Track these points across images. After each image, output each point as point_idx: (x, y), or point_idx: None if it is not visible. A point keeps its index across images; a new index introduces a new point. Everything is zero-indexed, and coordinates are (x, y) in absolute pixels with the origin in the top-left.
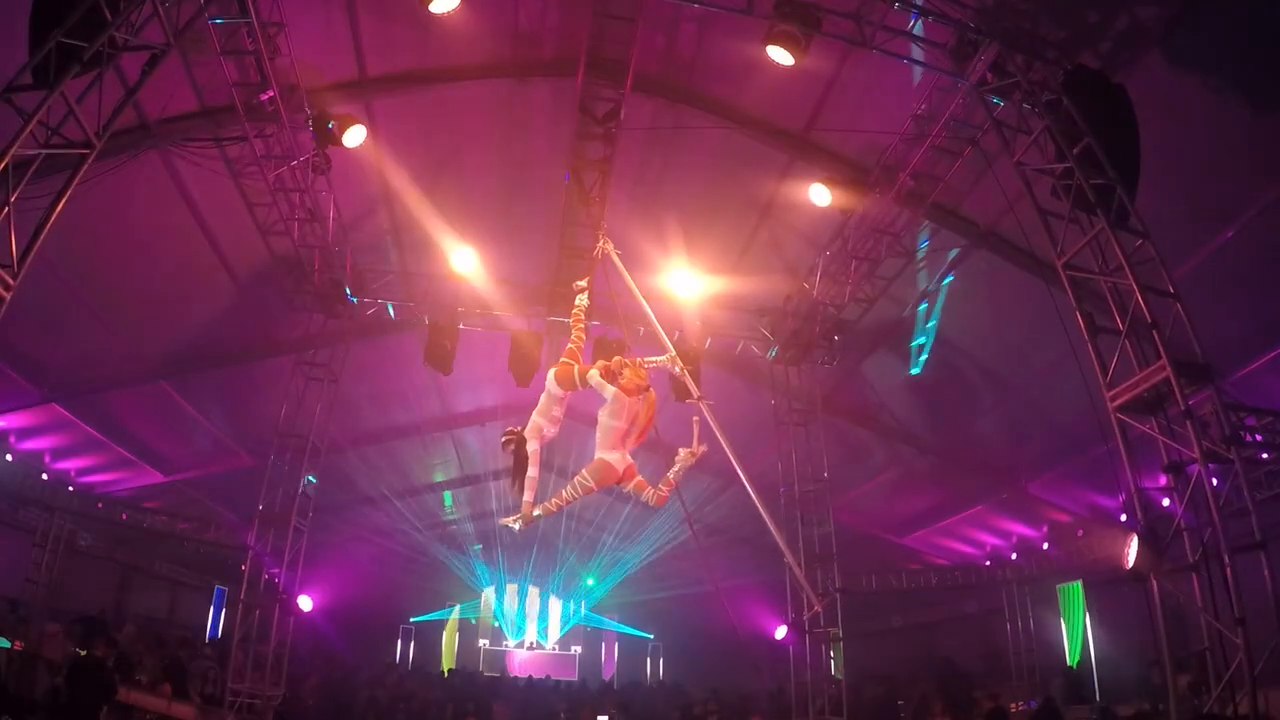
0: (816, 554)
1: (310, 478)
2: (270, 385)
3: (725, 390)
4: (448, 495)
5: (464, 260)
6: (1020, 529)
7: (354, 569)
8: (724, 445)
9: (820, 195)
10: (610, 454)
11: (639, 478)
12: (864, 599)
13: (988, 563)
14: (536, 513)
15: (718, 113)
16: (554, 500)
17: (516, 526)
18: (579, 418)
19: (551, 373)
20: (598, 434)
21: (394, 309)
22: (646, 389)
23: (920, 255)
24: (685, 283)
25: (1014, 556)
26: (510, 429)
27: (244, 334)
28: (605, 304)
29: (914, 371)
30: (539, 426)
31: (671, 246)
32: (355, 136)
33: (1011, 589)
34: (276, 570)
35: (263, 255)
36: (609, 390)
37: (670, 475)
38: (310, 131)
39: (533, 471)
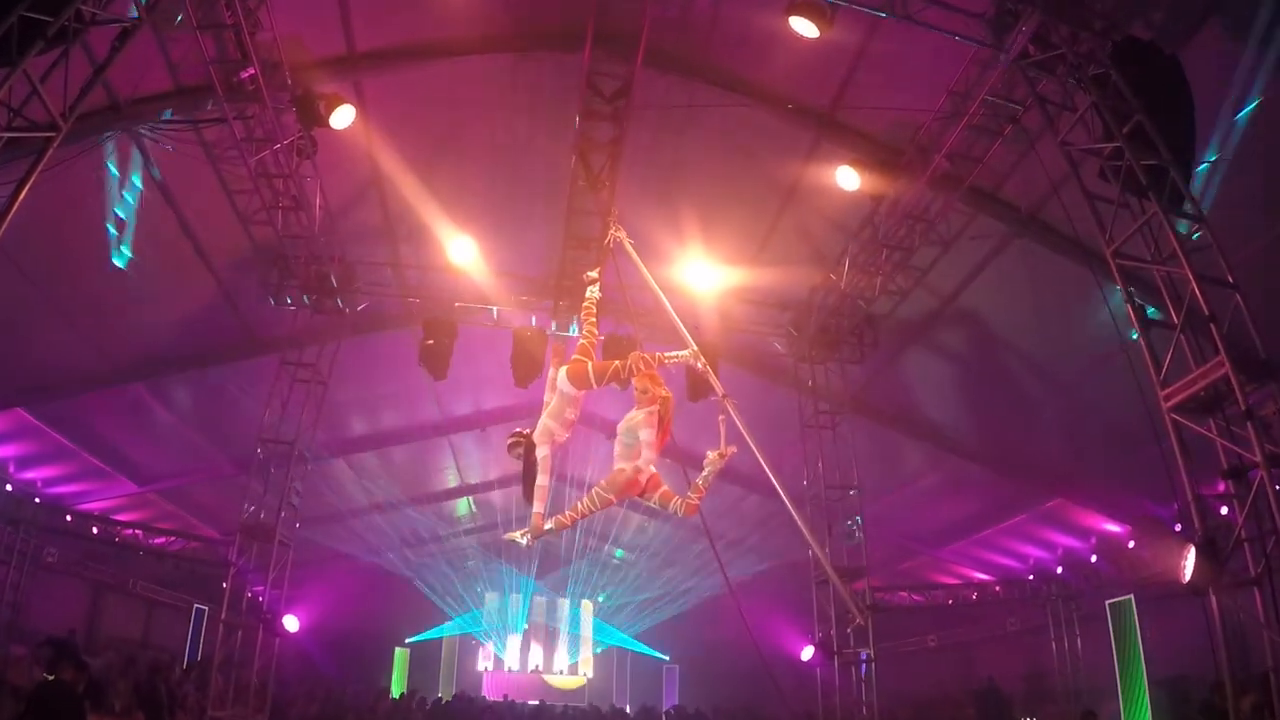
0: (846, 567)
1: (296, 486)
2: (253, 387)
3: (746, 390)
4: (463, 502)
5: (462, 251)
6: (1066, 540)
7: (344, 586)
8: (752, 446)
9: (848, 179)
10: (630, 464)
11: (664, 487)
12: (897, 616)
13: (1031, 577)
14: (548, 526)
15: (736, 89)
16: (568, 513)
17: (525, 541)
18: (596, 425)
19: (563, 371)
20: (616, 446)
21: (386, 303)
22: (665, 398)
23: None
24: (702, 275)
25: (1059, 570)
26: (518, 430)
27: (224, 332)
28: (616, 298)
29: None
30: (549, 430)
31: (687, 236)
32: (343, 117)
33: (1057, 605)
34: (260, 588)
35: (244, 246)
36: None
37: (699, 481)
38: (294, 112)
39: (543, 479)
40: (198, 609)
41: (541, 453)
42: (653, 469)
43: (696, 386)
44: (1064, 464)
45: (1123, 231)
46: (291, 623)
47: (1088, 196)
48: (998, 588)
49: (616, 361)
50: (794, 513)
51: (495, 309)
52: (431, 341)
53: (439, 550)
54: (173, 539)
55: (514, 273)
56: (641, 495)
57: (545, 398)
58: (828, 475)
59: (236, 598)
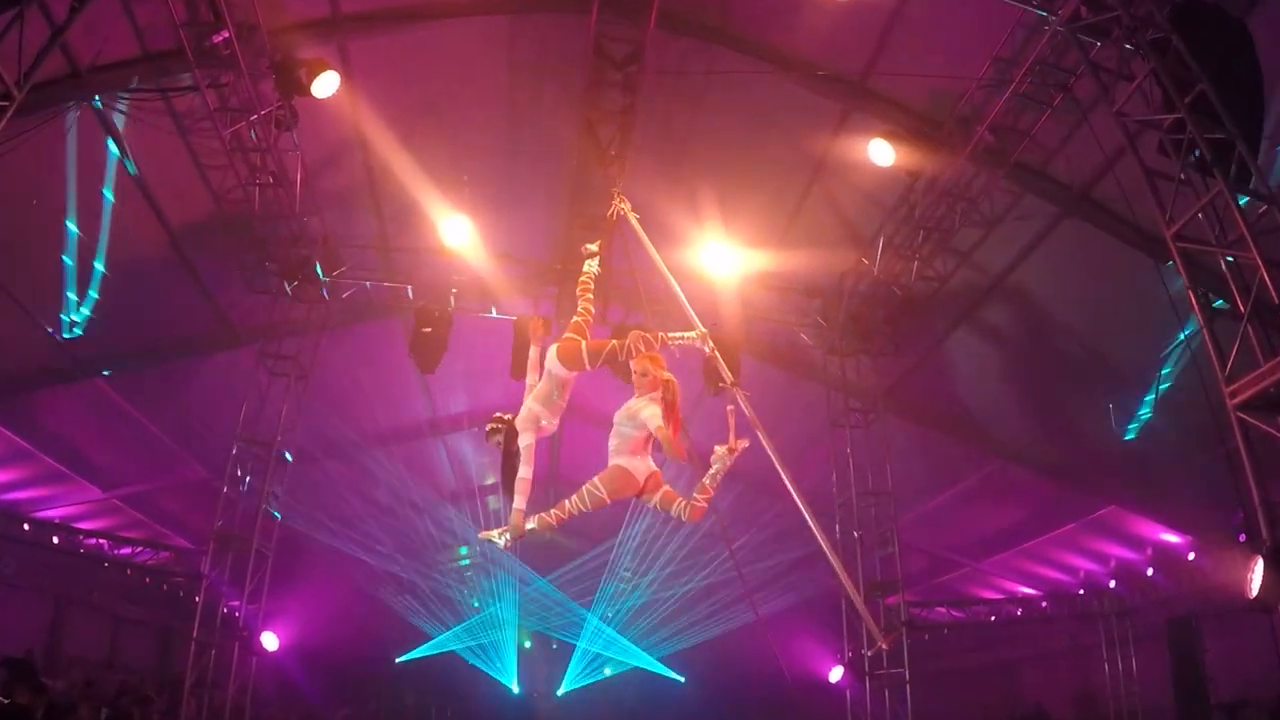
0: (879, 581)
1: (276, 492)
2: (228, 382)
3: (770, 386)
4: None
5: (457, 232)
6: (1120, 551)
7: (329, 600)
8: (762, 439)
9: (882, 153)
10: (629, 460)
11: (666, 487)
12: (935, 634)
13: (1081, 591)
14: (530, 525)
15: (759, 55)
16: (554, 511)
17: (502, 541)
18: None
19: (553, 350)
20: (612, 439)
21: (373, 290)
22: (668, 381)
23: None
24: (721, 259)
25: (1112, 584)
26: (498, 416)
27: (196, 321)
28: (625, 284)
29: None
30: (535, 416)
31: (705, 215)
32: (326, 85)
33: (1109, 622)
34: (236, 603)
35: (218, 227)
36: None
37: (707, 480)
38: (273, 80)
39: (525, 471)
40: (168, 626)
41: (525, 441)
42: (653, 466)
43: (712, 377)
44: (1118, 467)
45: (1184, 212)
46: (270, 640)
47: (1146, 173)
48: (1045, 603)
49: (614, 340)
50: (807, 514)
51: (494, 300)
52: (428, 330)
53: (435, 560)
54: (140, 549)
55: (514, 256)
56: (640, 496)
57: (528, 380)
58: (859, 479)
59: (210, 613)
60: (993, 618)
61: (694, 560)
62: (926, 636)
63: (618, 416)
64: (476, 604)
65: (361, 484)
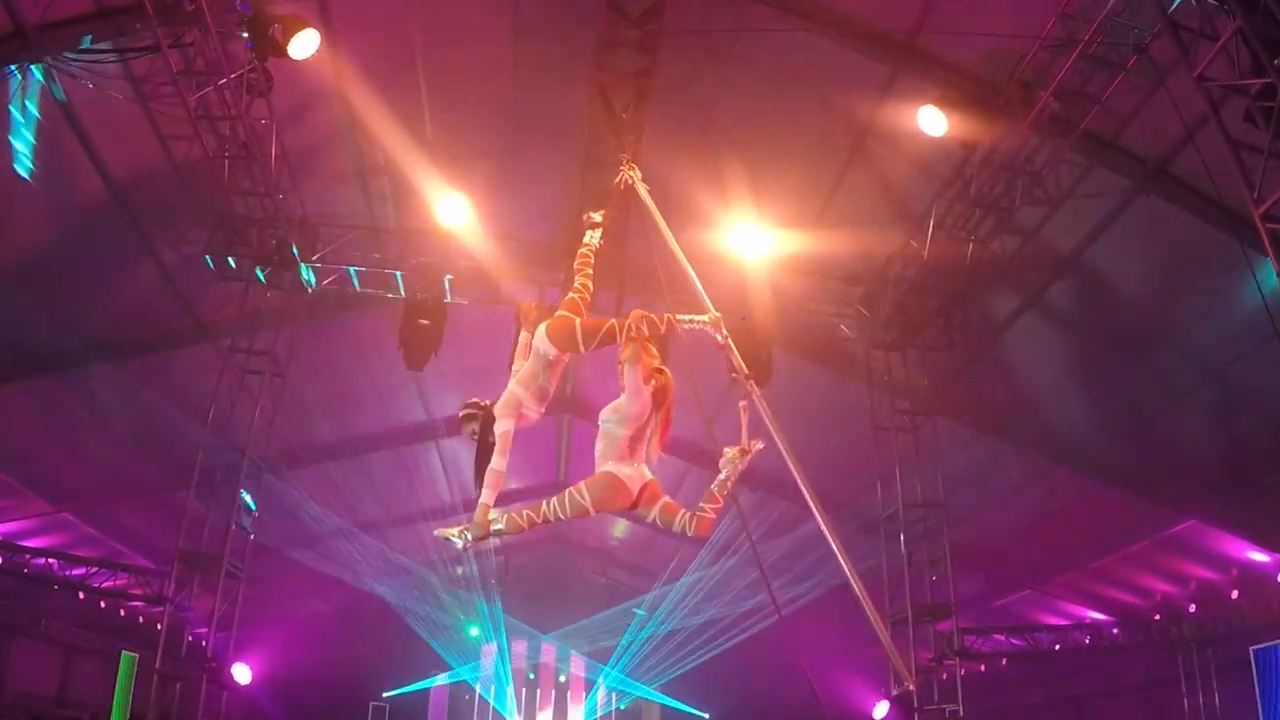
0: (929, 604)
1: (249, 504)
2: (194, 381)
3: (805, 384)
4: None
5: (453, 211)
6: (1201, 572)
7: (309, 627)
8: (776, 439)
9: (933, 121)
10: (620, 466)
11: (665, 499)
12: (992, 665)
13: (1157, 617)
14: (496, 525)
15: (793, 10)
16: (527, 512)
17: (461, 542)
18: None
19: (543, 328)
20: (599, 441)
21: (359, 277)
22: (660, 371)
23: None
24: (751, 242)
25: (1192, 608)
26: (474, 400)
27: (158, 313)
28: (646, 265)
29: None
30: (516, 400)
31: (732, 192)
32: (305, 45)
33: (1189, 651)
34: (204, 630)
35: (182, 207)
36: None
37: (715, 488)
38: (244, 39)
39: (498, 462)
40: (127, 656)
41: (503, 427)
42: (648, 474)
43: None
44: (1200, 476)
45: (1274, 188)
46: (243, 673)
47: (1231, 144)
48: (1116, 630)
49: (613, 320)
50: (823, 524)
51: (495, 287)
52: (425, 322)
53: (427, 583)
54: (95, 570)
55: (517, 237)
56: (635, 508)
57: (514, 365)
58: (906, 490)
59: (174, 642)
60: (1057, 646)
61: (722, 586)
62: (983, 668)
63: (604, 415)
64: (474, 630)
65: (346, 496)
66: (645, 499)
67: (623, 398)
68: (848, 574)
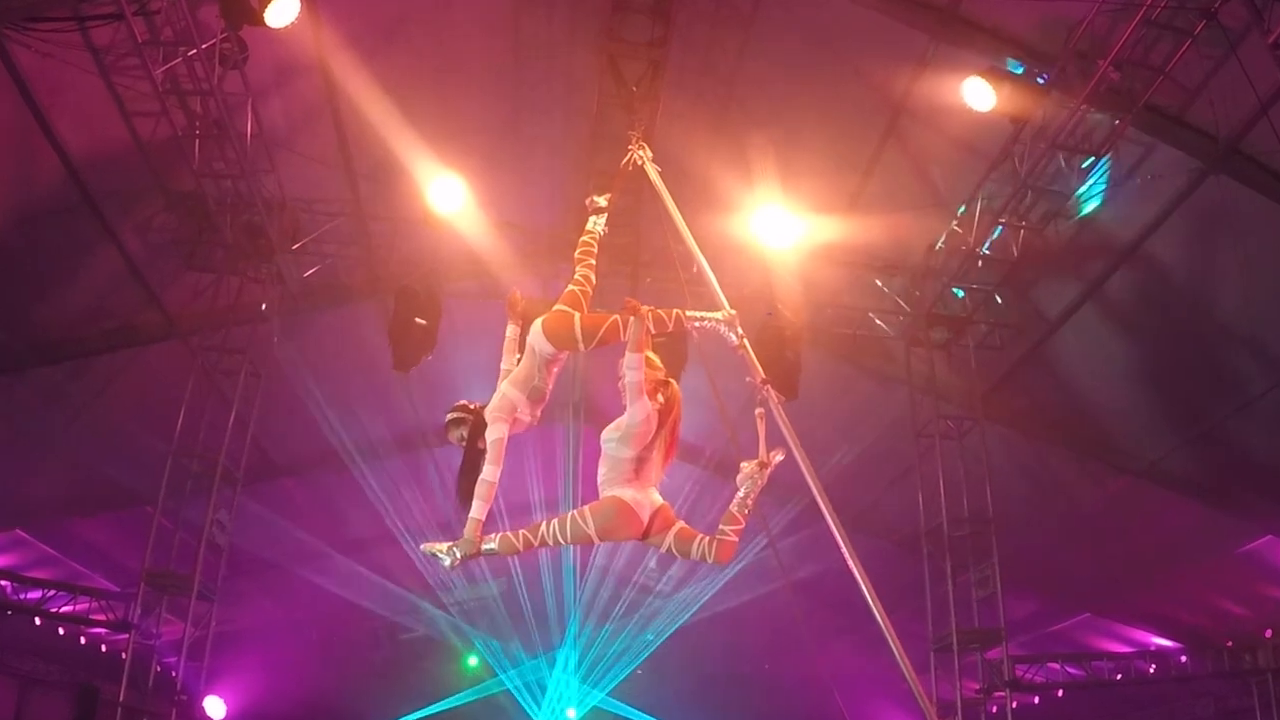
0: (976, 630)
1: (222, 520)
2: (161, 383)
3: (839, 386)
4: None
5: (447, 195)
6: (1278, 592)
7: (288, 657)
8: (794, 449)
9: (979, 94)
10: (625, 490)
11: (680, 524)
12: (1047, 697)
13: (1230, 643)
14: (488, 544)
15: None
16: (524, 533)
17: (449, 559)
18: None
19: (539, 323)
20: (602, 464)
21: (343, 267)
22: (665, 384)
23: None
24: (777, 228)
25: (1269, 634)
26: (461, 404)
27: (122, 308)
28: (666, 258)
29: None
30: (510, 404)
31: (756, 173)
32: (283, 11)
33: (1265, 681)
34: (172, 659)
35: (147, 190)
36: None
37: (734, 509)
38: (216, 6)
39: (490, 473)
40: (88, 688)
41: (494, 434)
42: (659, 499)
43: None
44: (1276, 487)
45: None
46: (216, 706)
47: None
48: (1184, 658)
49: (616, 315)
50: (840, 540)
51: (493, 279)
52: (423, 321)
53: (421, 607)
54: (53, 593)
55: (519, 224)
56: (646, 539)
57: (503, 365)
58: (951, 503)
59: (141, 672)
60: (1119, 676)
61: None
62: (1036, 700)
63: (606, 435)
64: (474, 660)
65: (330, 510)
66: (657, 527)
67: (625, 416)
68: (867, 596)
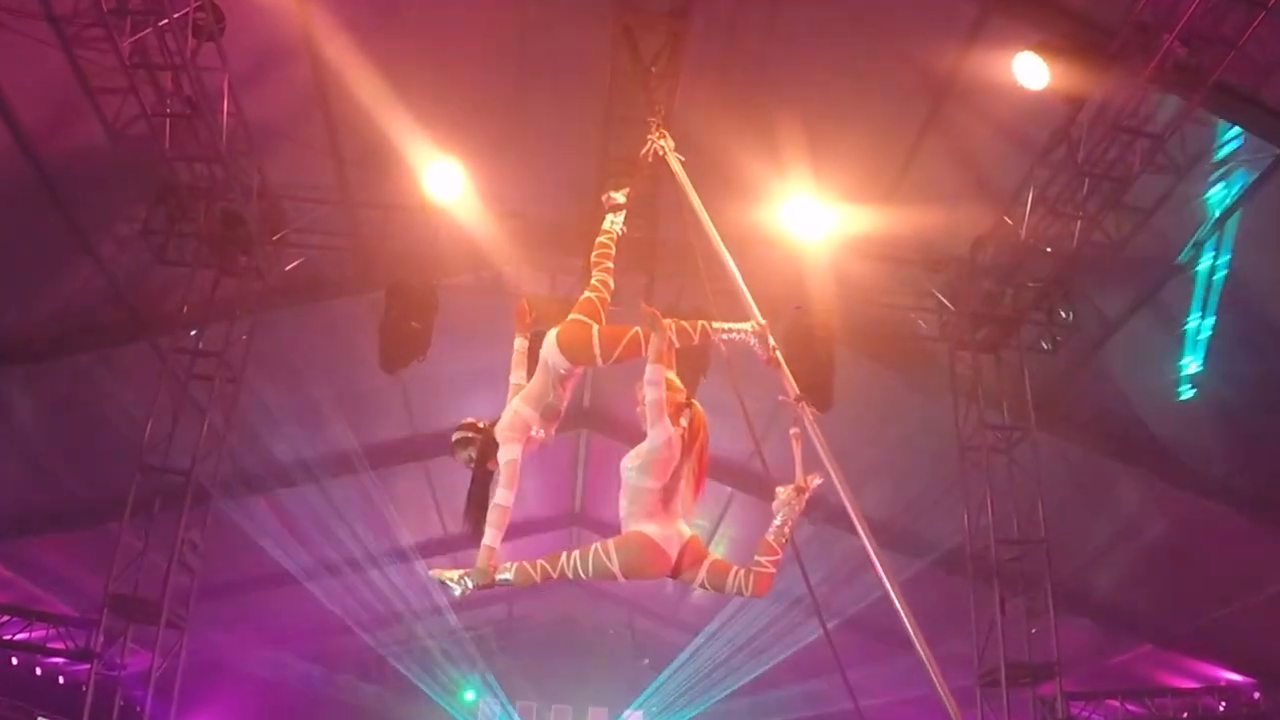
0: (1027, 663)
1: (194, 539)
2: (128, 389)
3: (876, 393)
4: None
5: (445, 182)
6: None
7: (267, 687)
8: (830, 469)
9: (1031, 71)
10: (652, 525)
11: (713, 557)
12: None
13: None
14: (503, 574)
15: None
16: (542, 563)
17: (460, 589)
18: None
19: (553, 335)
20: (622, 497)
21: (329, 261)
22: (688, 405)
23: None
24: (810, 219)
25: None
26: (469, 422)
27: (85, 306)
28: (685, 253)
29: (1183, 394)
30: (523, 422)
31: (787, 160)
32: None
33: None
34: (139, 692)
35: (114, 176)
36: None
37: (770, 538)
38: None
39: (503, 497)
40: None
41: (506, 455)
42: (687, 531)
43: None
44: None
45: None
46: None
47: None
48: (1258, 694)
49: (638, 328)
50: (876, 563)
51: (495, 274)
52: (417, 325)
53: (414, 634)
54: (6, 619)
55: (524, 214)
56: (677, 576)
57: (513, 379)
58: (1000, 522)
59: (103, 706)
60: (1185, 715)
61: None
62: None
63: (626, 464)
64: (471, 694)
65: (313, 528)
66: (688, 562)
67: (645, 441)
68: (908, 627)
